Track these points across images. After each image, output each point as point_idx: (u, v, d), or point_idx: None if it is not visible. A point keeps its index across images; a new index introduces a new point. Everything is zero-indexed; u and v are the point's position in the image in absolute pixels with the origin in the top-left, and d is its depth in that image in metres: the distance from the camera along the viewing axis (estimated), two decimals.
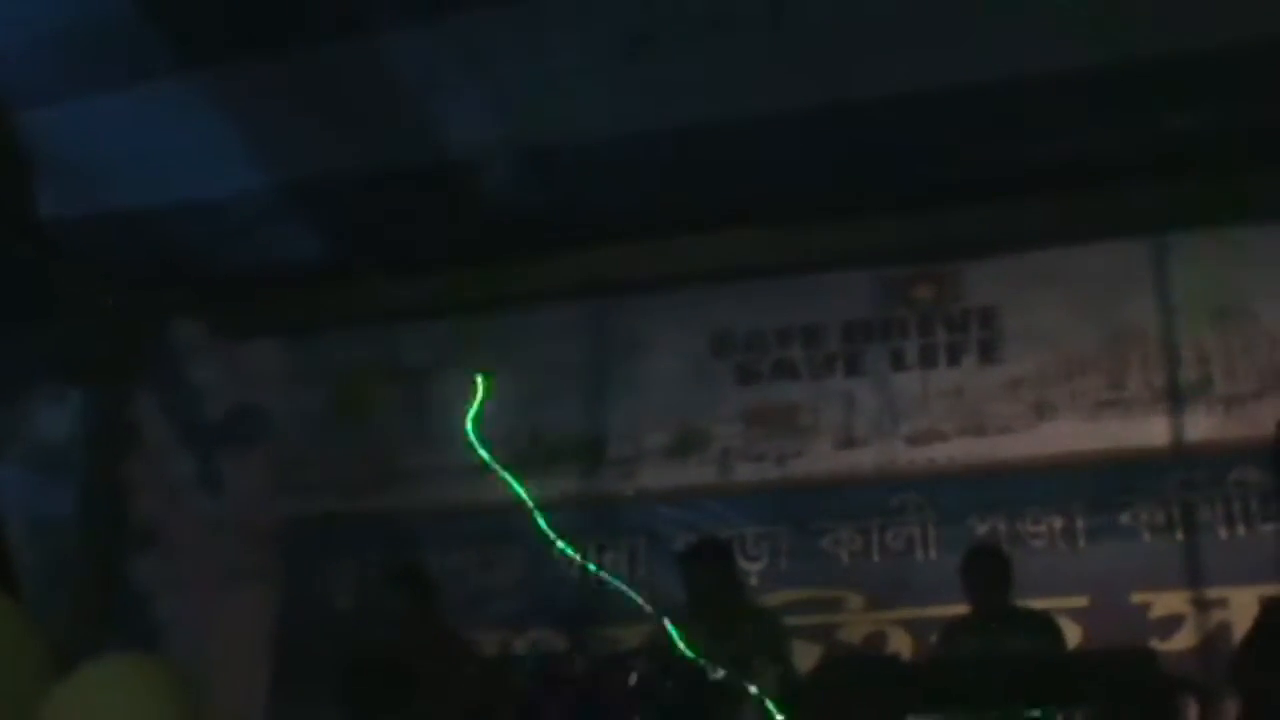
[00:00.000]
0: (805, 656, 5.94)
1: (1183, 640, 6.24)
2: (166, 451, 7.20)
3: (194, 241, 6.78)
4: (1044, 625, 5.61)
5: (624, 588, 6.20)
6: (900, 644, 6.48)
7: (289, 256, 6.95)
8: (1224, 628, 6.16)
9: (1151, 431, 6.56)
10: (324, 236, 6.91)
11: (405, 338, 7.41)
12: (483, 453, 6.20)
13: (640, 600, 5.87)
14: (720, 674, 5.05)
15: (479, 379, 6.24)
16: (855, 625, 6.67)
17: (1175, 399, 6.54)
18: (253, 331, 7.51)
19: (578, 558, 6.54)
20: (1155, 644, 5.81)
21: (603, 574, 6.62)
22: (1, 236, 6.34)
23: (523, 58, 6.16)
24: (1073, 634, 6.03)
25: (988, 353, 6.84)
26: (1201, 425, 6.54)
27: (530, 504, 6.08)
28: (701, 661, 5.09)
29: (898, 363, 6.93)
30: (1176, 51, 5.90)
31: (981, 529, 6.59)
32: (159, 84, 5.98)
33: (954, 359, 6.88)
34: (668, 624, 5.50)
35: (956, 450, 6.76)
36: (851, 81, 6.18)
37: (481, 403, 6.26)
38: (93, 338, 7.02)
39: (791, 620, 6.17)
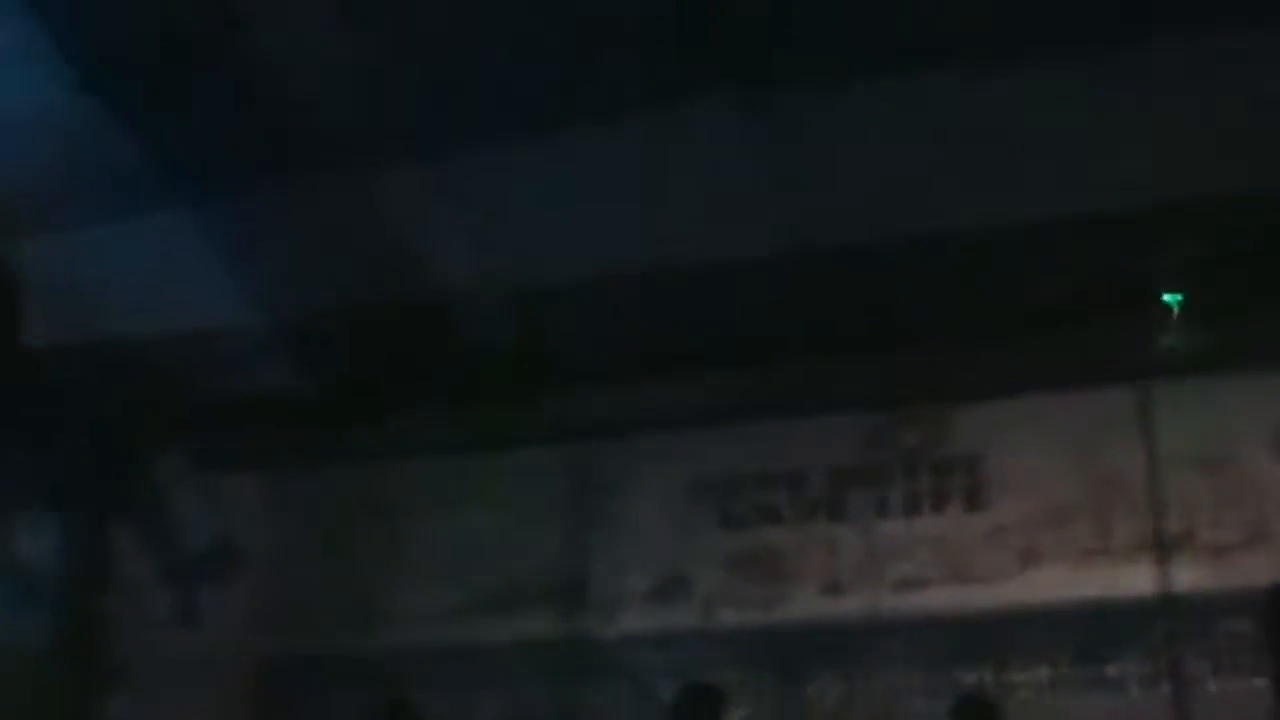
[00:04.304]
0: None
1: None
2: (144, 585, 7.16)
3: (179, 372, 6.81)
4: None
5: None
6: None
7: (272, 390, 6.96)
8: None
9: (1138, 581, 6.49)
10: (307, 371, 6.93)
11: (386, 476, 7.39)
12: None
13: None
14: None
15: None
16: None
17: (1161, 548, 6.49)
18: (234, 465, 7.49)
19: None
20: None
21: None
22: None
23: (508, 200, 6.25)
24: None
25: (972, 499, 6.80)
26: (1189, 575, 6.46)
27: None
28: None
29: (882, 509, 6.89)
30: (1161, 200, 5.97)
31: (968, 678, 6.50)
32: (149, 216, 6.07)
33: (938, 505, 6.84)
34: None
35: (942, 597, 6.69)
36: (837, 226, 6.25)
37: None
38: (77, 466, 7.01)
39: None
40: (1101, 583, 6.52)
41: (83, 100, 5.83)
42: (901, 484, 6.91)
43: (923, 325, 6.60)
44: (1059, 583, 6.57)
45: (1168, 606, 6.44)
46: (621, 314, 6.61)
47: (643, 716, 6.79)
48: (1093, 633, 6.45)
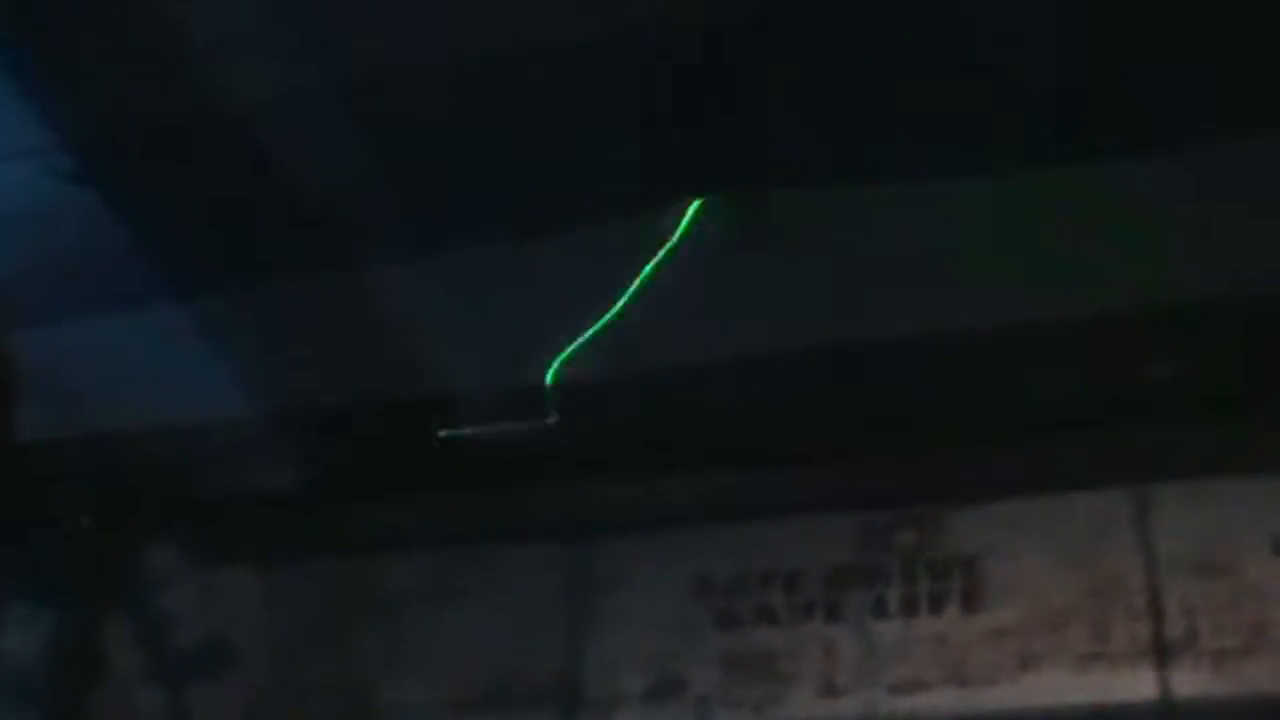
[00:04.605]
0: None
1: None
2: (134, 681, 7.12)
3: (171, 466, 6.81)
4: None
5: None
6: None
7: (266, 484, 6.97)
8: None
9: (1138, 686, 6.41)
10: (302, 463, 6.94)
11: (381, 570, 7.34)
12: None
13: None
14: None
15: None
16: None
17: (1161, 653, 6.41)
18: (228, 559, 7.45)
19: None
20: None
21: None
22: None
23: (504, 295, 6.27)
24: None
25: (970, 601, 6.72)
26: (1189, 681, 6.37)
27: None
28: None
29: (879, 610, 6.82)
30: (1160, 303, 5.97)
31: None
32: (142, 310, 6.09)
33: (936, 607, 6.77)
34: None
35: (939, 700, 6.60)
36: (835, 326, 6.25)
37: None
38: (67, 561, 7.00)
39: None
40: (1101, 687, 6.44)
41: (78, 193, 5.88)
42: (899, 585, 6.85)
43: (920, 426, 6.59)
44: (1058, 687, 6.47)
45: (1168, 713, 6.36)
46: (618, 412, 6.62)
47: None
48: None
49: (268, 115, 5.74)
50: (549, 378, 6.38)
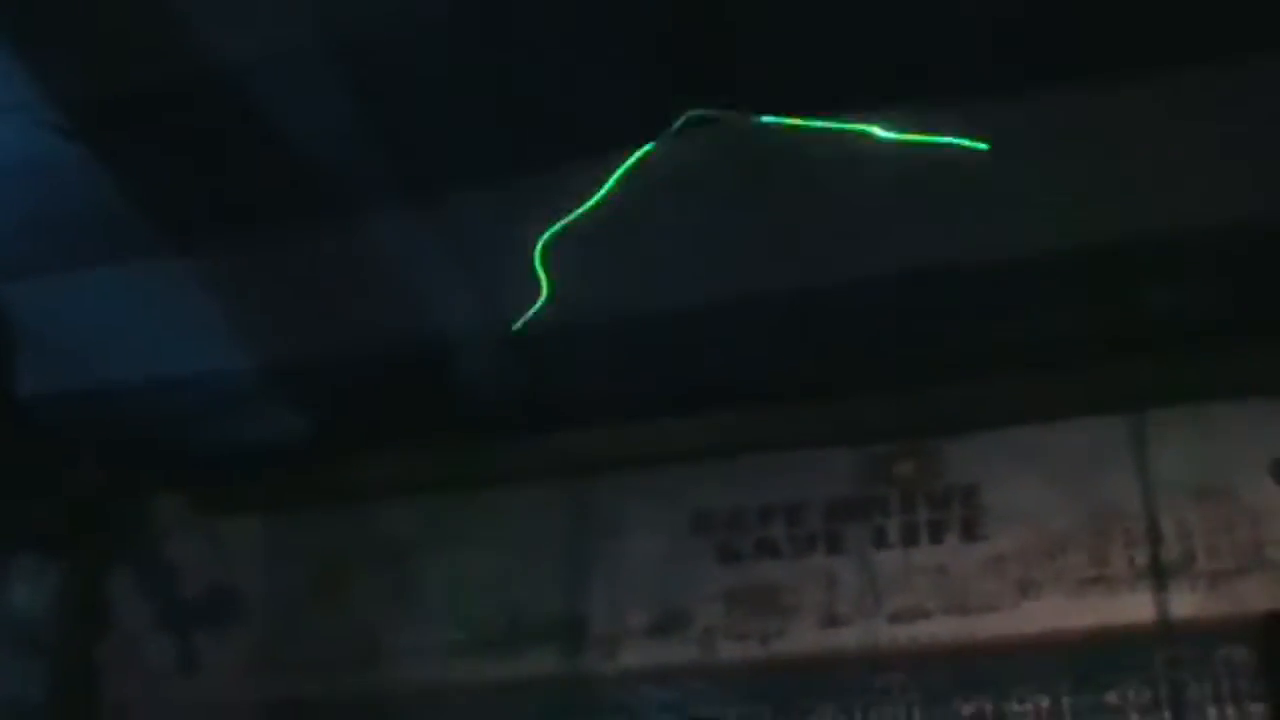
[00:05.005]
0: None
1: None
2: (142, 631, 7.15)
3: (174, 418, 6.82)
4: None
5: None
6: None
7: (270, 432, 6.98)
8: None
9: (1136, 609, 6.49)
10: (304, 414, 6.95)
11: (385, 516, 7.37)
12: None
13: None
14: None
15: None
16: None
17: (1159, 576, 6.50)
18: (232, 509, 7.48)
19: None
20: None
21: None
22: None
23: (504, 241, 6.26)
24: None
25: (970, 530, 6.80)
26: (1186, 602, 6.47)
27: None
28: None
29: (880, 540, 6.89)
30: (1152, 231, 5.99)
31: (967, 709, 6.49)
32: (141, 262, 6.08)
33: (936, 536, 6.84)
34: None
35: (940, 628, 6.69)
36: (830, 263, 6.26)
37: None
38: (72, 513, 7.02)
39: None
40: (1099, 611, 6.53)
41: (73, 147, 5.85)
42: (898, 515, 6.92)
43: (918, 358, 6.64)
44: (1057, 612, 6.56)
45: (1166, 634, 6.45)
46: (618, 352, 6.63)
47: None
48: (1092, 661, 6.44)
49: (262, 67, 5.71)
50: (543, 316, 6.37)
